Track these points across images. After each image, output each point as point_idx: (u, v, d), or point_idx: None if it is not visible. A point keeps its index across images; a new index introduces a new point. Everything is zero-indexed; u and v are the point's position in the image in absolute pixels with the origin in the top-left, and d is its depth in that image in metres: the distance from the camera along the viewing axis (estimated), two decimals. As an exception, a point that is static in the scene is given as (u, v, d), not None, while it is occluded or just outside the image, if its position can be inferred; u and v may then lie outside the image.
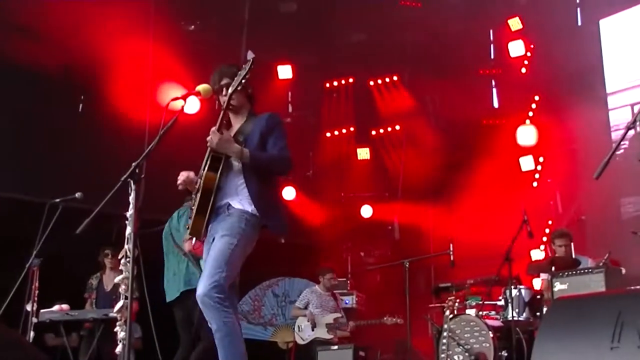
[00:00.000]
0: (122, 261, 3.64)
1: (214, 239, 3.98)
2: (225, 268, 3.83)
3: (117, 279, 3.68)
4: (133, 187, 3.64)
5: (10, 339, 2.53)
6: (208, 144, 3.94)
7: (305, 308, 8.18)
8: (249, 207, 3.97)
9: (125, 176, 3.64)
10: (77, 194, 5.67)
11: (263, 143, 4.06)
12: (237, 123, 4.21)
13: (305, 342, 8.02)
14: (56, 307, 6.35)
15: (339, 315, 7.75)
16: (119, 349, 3.61)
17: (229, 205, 3.99)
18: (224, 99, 4.11)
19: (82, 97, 8.87)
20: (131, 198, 3.65)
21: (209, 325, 3.84)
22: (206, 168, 3.98)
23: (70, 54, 8.25)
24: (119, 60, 8.57)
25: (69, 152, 8.25)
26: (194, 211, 4.02)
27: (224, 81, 4.12)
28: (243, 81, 3.91)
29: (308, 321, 8.05)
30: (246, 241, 3.96)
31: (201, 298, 3.76)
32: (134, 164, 3.67)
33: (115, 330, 3.68)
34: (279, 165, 4.11)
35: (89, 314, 6.52)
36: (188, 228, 4.11)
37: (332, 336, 7.73)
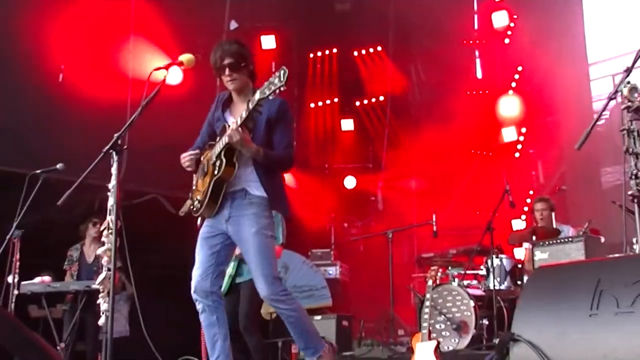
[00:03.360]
0: (105, 233, 3.62)
1: (229, 225, 4.01)
2: (272, 262, 3.99)
3: (100, 250, 3.66)
4: (115, 158, 3.61)
5: (31, 340, 2.51)
6: (227, 139, 3.85)
7: None
8: (265, 194, 4.02)
9: (107, 147, 3.60)
10: (59, 165, 5.61)
11: (269, 129, 4.05)
12: (240, 102, 4.14)
13: None
14: (38, 279, 6.32)
15: None
16: (102, 320, 3.60)
17: (247, 191, 4.01)
18: (227, 79, 4.05)
19: (62, 67, 8.73)
20: (113, 169, 3.62)
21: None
22: (223, 159, 3.93)
23: (50, 22, 8.10)
24: (100, 28, 8.43)
25: (50, 122, 8.14)
26: (207, 199, 3.98)
27: (227, 61, 4.02)
28: (277, 91, 3.72)
29: None
30: (273, 230, 4.14)
31: (269, 298, 3.93)
32: (116, 135, 3.63)
33: (98, 302, 3.67)
34: (285, 165, 4.19)
35: (71, 285, 6.48)
36: (194, 209, 4.10)
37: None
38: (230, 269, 5.98)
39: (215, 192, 3.97)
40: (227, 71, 4.03)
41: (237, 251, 5.97)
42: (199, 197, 4.07)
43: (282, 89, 3.70)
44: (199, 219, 4.21)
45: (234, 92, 4.16)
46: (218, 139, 4.05)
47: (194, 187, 4.20)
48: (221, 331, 4.04)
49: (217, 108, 4.24)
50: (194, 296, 4.06)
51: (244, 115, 3.85)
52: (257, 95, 3.75)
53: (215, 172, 3.96)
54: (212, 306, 4.02)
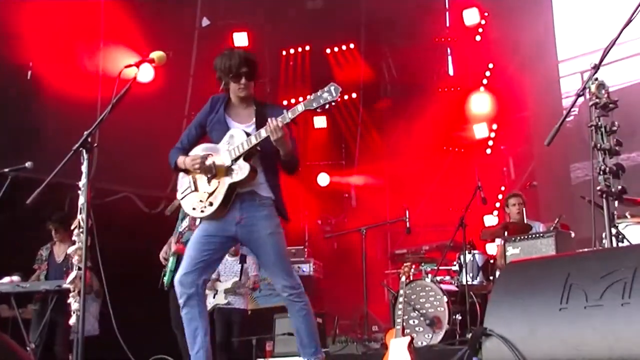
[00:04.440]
0: (75, 231, 3.58)
1: (240, 225, 4.04)
2: (289, 258, 4.24)
3: (70, 249, 3.62)
4: (85, 156, 3.56)
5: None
6: (271, 136, 3.88)
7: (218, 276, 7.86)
8: (272, 195, 4.11)
9: (77, 145, 3.56)
10: (27, 164, 5.51)
11: None
12: (241, 108, 4.18)
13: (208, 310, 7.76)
14: (6, 279, 6.22)
15: (237, 279, 7.47)
16: (72, 320, 3.56)
17: (255, 192, 4.07)
18: (241, 87, 4.09)
19: (31, 64, 8.60)
20: (84, 167, 3.58)
21: None
22: (244, 163, 3.98)
23: (18, 19, 7.98)
24: (69, 25, 8.32)
25: (18, 120, 8.02)
26: (220, 202, 4.01)
27: (244, 69, 4.08)
28: (326, 105, 3.87)
29: (208, 289, 7.75)
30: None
31: (291, 290, 4.10)
32: (86, 132, 3.59)
33: (68, 301, 3.63)
34: (298, 166, 4.25)
35: (42, 285, 6.38)
36: (202, 212, 4.09)
37: (227, 301, 7.43)
38: (170, 264, 6.00)
39: (229, 195, 4.01)
40: (243, 79, 4.09)
41: (174, 247, 6.00)
42: (210, 200, 4.06)
43: (333, 104, 3.90)
44: (168, 213, 4.20)
45: (236, 99, 4.18)
46: (227, 143, 4.06)
47: (190, 189, 4.16)
48: (202, 325, 4.03)
49: (214, 111, 4.21)
50: (177, 289, 4.03)
51: (289, 117, 3.90)
52: (301, 107, 3.89)
53: (235, 175, 4.00)
54: (196, 297, 4.01)
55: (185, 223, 6.14)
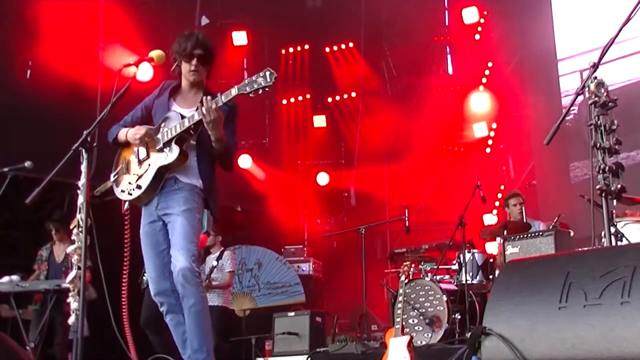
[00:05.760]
0: (75, 231, 3.57)
1: (159, 211, 3.93)
2: (195, 241, 3.86)
3: (70, 249, 3.61)
4: (85, 155, 3.56)
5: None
6: (203, 118, 3.76)
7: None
8: (198, 183, 3.96)
9: (76, 144, 3.55)
10: (27, 163, 5.50)
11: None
12: (190, 95, 4.10)
13: None
14: (5, 279, 6.21)
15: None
16: (72, 319, 3.55)
17: (176, 179, 3.95)
18: (192, 69, 4.00)
19: (30, 63, 8.59)
20: (83, 167, 3.57)
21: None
22: (175, 146, 3.87)
23: (17, 18, 7.97)
24: (69, 24, 8.32)
25: (18, 119, 8.01)
26: (148, 185, 3.91)
27: (198, 51, 3.99)
28: (259, 91, 3.69)
29: None
30: (201, 215, 4.00)
31: (184, 272, 3.72)
32: (85, 132, 3.58)
33: (67, 301, 3.62)
34: (232, 157, 4.14)
35: (41, 285, 6.38)
36: (129, 194, 4.00)
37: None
38: None
39: (158, 178, 3.91)
40: (194, 61, 4.00)
41: None
42: (138, 183, 3.96)
43: (266, 89, 3.71)
44: (126, 203, 4.11)
45: (186, 83, 4.11)
46: (163, 125, 3.97)
47: (121, 169, 4.08)
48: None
49: (161, 94, 4.15)
50: (156, 299, 3.99)
51: (222, 100, 3.77)
52: (235, 91, 3.73)
53: (165, 158, 3.90)
54: (176, 304, 3.92)
55: None
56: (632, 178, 3.96)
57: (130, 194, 3.99)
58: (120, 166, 4.12)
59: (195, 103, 3.96)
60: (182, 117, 3.93)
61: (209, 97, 3.80)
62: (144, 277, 6.13)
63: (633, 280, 2.41)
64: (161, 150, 3.94)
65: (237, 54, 11.29)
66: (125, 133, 4.06)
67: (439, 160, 11.10)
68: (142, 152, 4.03)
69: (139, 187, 3.97)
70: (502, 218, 8.36)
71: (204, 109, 3.76)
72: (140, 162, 4.01)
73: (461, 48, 11.56)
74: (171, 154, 3.89)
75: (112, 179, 4.16)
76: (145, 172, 3.96)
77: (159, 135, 3.96)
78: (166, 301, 3.96)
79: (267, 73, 3.70)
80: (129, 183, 4.02)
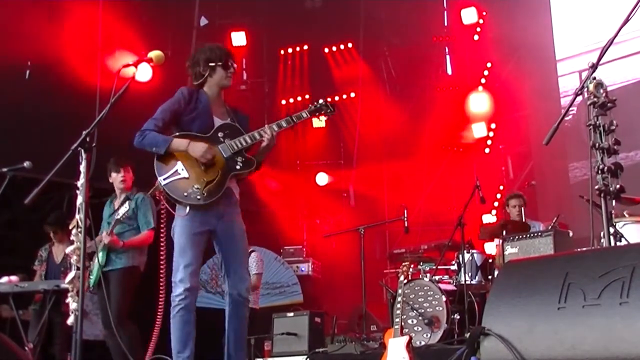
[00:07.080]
0: (74, 231, 3.57)
1: (222, 219, 4.15)
2: None
3: (69, 249, 3.61)
4: (84, 156, 3.56)
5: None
6: (268, 142, 4.18)
7: None
8: (237, 195, 4.29)
9: (75, 145, 3.55)
10: (26, 163, 5.49)
11: None
12: (216, 104, 4.27)
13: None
14: (5, 279, 6.21)
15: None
16: (71, 320, 3.55)
17: (232, 191, 4.21)
18: (228, 75, 4.27)
19: (29, 63, 8.59)
20: (82, 167, 3.57)
21: None
22: (245, 157, 4.17)
23: (17, 18, 7.97)
24: (68, 24, 8.32)
25: (17, 120, 8.01)
26: (220, 192, 4.09)
27: (232, 60, 4.32)
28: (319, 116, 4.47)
29: None
30: None
31: (248, 290, 4.19)
32: (84, 132, 3.58)
33: (67, 301, 3.62)
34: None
35: (40, 285, 6.37)
36: (198, 197, 4.08)
37: None
38: (100, 258, 5.65)
39: (223, 185, 4.10)
40: (232, 69, 4.28)
41: (106, 239, 5.67)
42: (209, 188, 4.06)
43: (329, 115, 4.51)
44: (166, 203, 4.16)
45: (215, 90, 4.28)
46: (221, 135, 4.17)
47: (179, 175, 4.10)
48: (193, 332, 4.05)
49: (191, 101, 4.21)
50: (185, 293, 4.01)
51: (283, 124, 4.28)
52: (305, 114, 4.40)
53: (238, 167, 4.14)
54: (194, 303, 4.05)
55: (123, 210, 5.61)
56: (631, 178, 3.96)
57: (199, 199, 4.06)
58: (175, 170, 4.11)
59: (223, 114, 4.26)
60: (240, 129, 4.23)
61: (273, 126, 4.22)
62: (91, 277, 5.76)
63: (632, 280, 2.41)
64: (232, 159, 4.14)
65: (236, 54, 11.21)
66: (186, 146, 4.09)
67: (438, 161, 11.10)
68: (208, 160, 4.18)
69: (210, 192, 4.06)
70: (501, 218, 8.36)
71: (269, 136, 4.16)
72: (206, 169, 4.11)
73: (460, 48, 11.56)
74: (247, 164, 4.18)
75: (162, 182, 4.12)
76: (216, 178, 4.10)
77: (224, 145, 4.16)
78: (191, 298, 4.02)
79: (333, 107, 4.60)
80: (197, 188, 4.07)
